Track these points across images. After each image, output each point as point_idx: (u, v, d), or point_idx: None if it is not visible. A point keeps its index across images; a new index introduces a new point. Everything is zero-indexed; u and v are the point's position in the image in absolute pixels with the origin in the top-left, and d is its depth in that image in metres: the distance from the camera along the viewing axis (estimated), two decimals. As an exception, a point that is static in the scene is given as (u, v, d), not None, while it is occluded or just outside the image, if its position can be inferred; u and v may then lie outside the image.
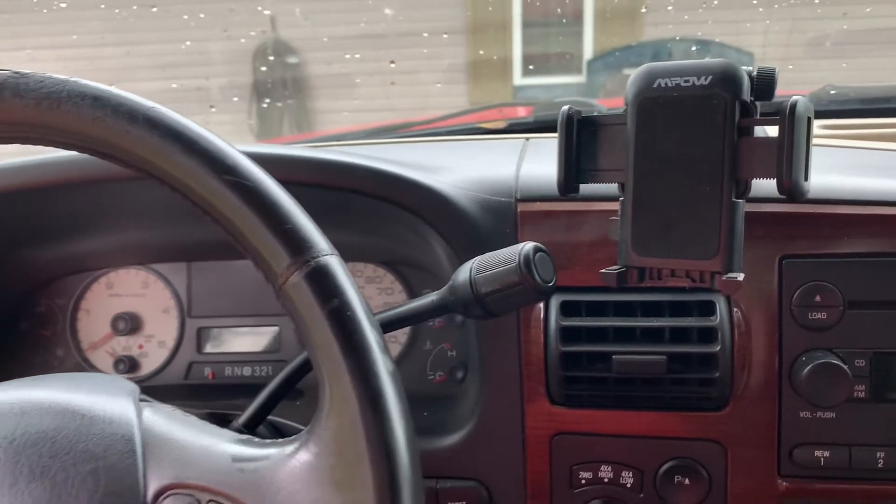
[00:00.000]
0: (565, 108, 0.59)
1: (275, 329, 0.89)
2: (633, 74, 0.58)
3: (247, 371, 0.89)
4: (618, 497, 0.67)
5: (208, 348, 0.89)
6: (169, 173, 0.42)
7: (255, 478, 0.42)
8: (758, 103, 0.56)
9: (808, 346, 0.63)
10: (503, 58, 4.53)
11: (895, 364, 0.62)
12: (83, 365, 0.90)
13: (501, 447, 0.68)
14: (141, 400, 0.49)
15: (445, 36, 4.52)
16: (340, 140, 1.24)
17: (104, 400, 0.47)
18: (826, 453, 0.63)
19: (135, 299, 0.90)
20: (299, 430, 0.74)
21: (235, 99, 4.03)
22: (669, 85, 0.56)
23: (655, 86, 0.57)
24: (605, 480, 0.67)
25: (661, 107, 0.56)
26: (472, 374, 0.75)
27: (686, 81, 0.56)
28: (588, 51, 4.51)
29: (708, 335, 0.63)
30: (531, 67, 4.63)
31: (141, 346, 0.90)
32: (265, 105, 4.05)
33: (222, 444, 0.45)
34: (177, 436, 0.45)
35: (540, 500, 0.68)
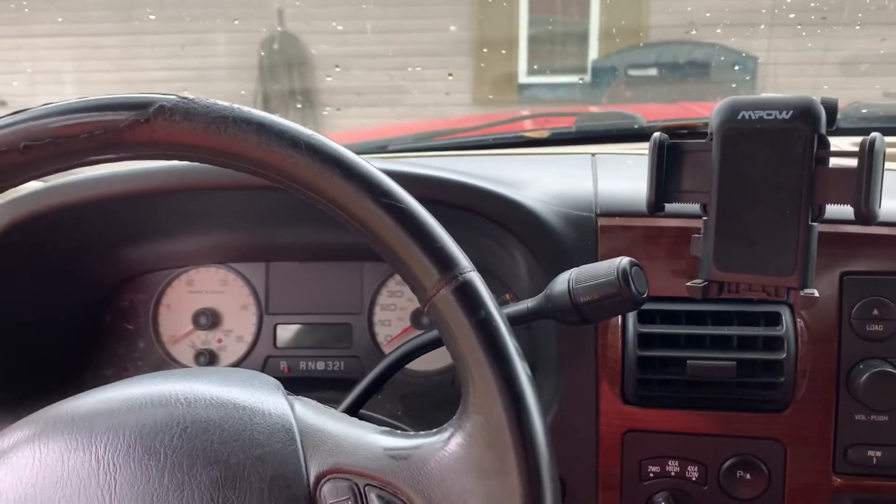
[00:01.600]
0: (656, 135, 0.65)
1: (346, 326, 0.94)
2: (717, 106, 0.64)
3: (320, 365, 0.94)
4: (683, 489, 0.73)
5: (284, 343, 0.95)
6: (329, 195, 0.47)
7: (407, 465, 0.48)
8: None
9: (864, 355, 0.69)
10: (509, 57, 4.58)
11: (944, 373, 0.68)
12: (165, 358, 0.95)
13: (576, 442, 0.74)
14: (287, 394, 0.54)
15: (453, 28, 4.55)
16: (387, 145, 1.29)
17: (259, 393, 0.52)
18: (878, 453, 0.69)
19: (214, 296, 0.95)
20: (385, 423, 0.80)
21: (243, 93, 4.07)
22: (753, 118, 0.62)
23: (739, 117, 0.62)
24: (672, 474, 0.73)
25: (745, 136, 0.62)
26: (543, 372, 0.81)
27: (769, 115, 0.61)
28: (593, 51, 4.56)
29: (774, 343, 0.69)
30: (536, 67, 4.68)
31: (220, 341, 0.95)
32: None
33: (371, 435, 0.50)
34: (329, 427, 0.51)
35: (611, 491, 0.74)
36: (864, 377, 0.67)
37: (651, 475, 0.73)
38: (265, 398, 0.52)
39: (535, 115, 1.30)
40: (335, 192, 0.47)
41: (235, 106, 0.48)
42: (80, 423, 0.51)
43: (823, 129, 0.61)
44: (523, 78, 4.68)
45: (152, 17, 4.10)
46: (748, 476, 0.71)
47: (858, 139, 1.08)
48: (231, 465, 0.48)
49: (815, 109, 0.61)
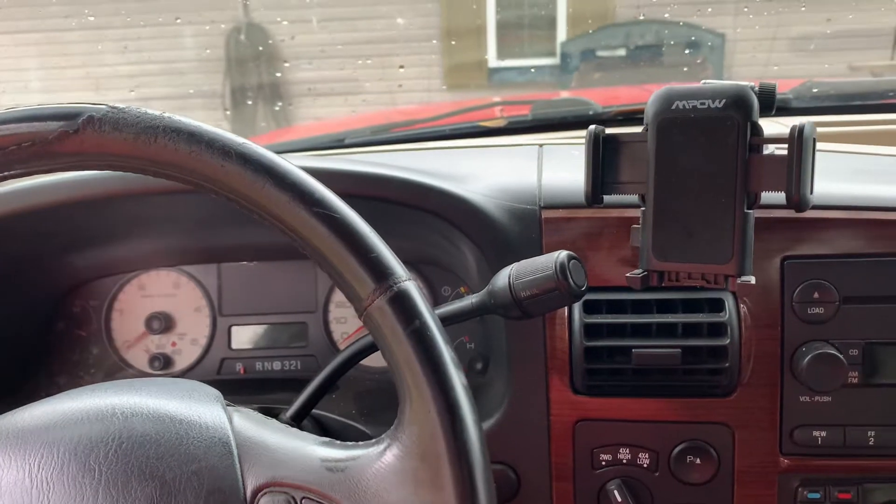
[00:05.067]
0: (592, 127, 0.65)
1: (302, 325, 0.94)
2: (652, 96, 0.64)
3: (276, 365, 0.94)
4: (635, 476, 0.74)
5: (239, 344, 0.94)
6: (261, 204, 0.47)
7: (344, 477, 0.48)
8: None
9: (807, 337, 0.70)
10: (477, 41, 4.56)
11: (884, 353, 0.69)
12: (119, 363, 0.94)
13: (528, 433, 0.74)
14: (227, 404, 0.54)
15: (419, 18, 4.53)
16: (343, 139, 1.28)
17: (197, 406, 0.52)
18: (823, 433, 0.70)
19: (167, 299, 0.95)
20: (340, 423, 0.80)
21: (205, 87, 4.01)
22: (687, 107, 0.62)
23: (674, 107, 0.62)
24: (624, 461, 0.73)
25: (679, 126, 0.62)
26: (496, 366, 0.81)
27: (702, 104, 0.62)
28: (562, 33, 4.56)
29: (718, 329, 0.70)
30: (505, 50, 4.67)
31: (174, 344, 0.95)
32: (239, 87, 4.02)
33: (309, 447, 0.50)
34: (267, 439, 0.51)
35: (564, 480, 0.74)
36: (807, 359, 0.68)
37: (603, 463, 0.74)
38: (203, 410, 0.52)
39: (491, 105, 1.30)
40: (268, 202, 0.47)
41: (166, 115, 0.48)
42: (15, 439, 0.50)
43: (756, 117, 0.61)
44: (493, 62, 4.67)
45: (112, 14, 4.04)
46: (698, 461, 0.72)
47: (810, 119, 1.09)
48: (167, 481, 0.48)
49: (748, 97, 0.61)
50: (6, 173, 0.48)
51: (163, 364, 0.93)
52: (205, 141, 0.47)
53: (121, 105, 0.48)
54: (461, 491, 0.44)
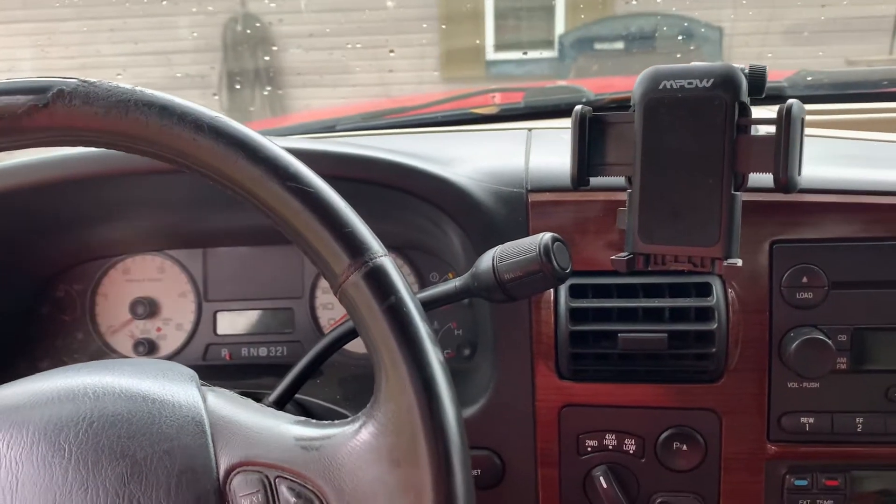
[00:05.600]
0: (578, 107, 0.64)
1: (288, 311, 0.93)
2: (640, 76, 0.63)
3: (262, 351, 0.93)
4: (621, 462, 0.73)
5: (224, 330, 0.93)
6: (234, 179, 0.46)
7: (318, 456, 0.47)
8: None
9: (795, 323, 0.69)
10: (475, 33, 4.54)
11: (873, 338, 0.68)
12: (104, 348, 0.93)
13: (514, 419, 0.73)
14: (202, 384, 0.53)
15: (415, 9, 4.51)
16: (335, 125, 1.27)
17: (171, 385, 0.51)
18: (811, 420, 0.69)
19: (151, 284, 0.94)
20: (323, 407, 0.79)
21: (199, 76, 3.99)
22: (674, 86, 0.61)
23: (661, 87, 0.62)
24: (610, 447, 0.73)
25: (667, 106, 0.61)
26: (482, 351, 0.81)
27: (689, 84, 0.61)
28: (560, 26, 4.54)
29: (705, 314, 0.69)
30: (502, 43, 4.65)
31: (159, 329, 0.94)
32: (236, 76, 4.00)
33: (284, 426, 0.49)
34: (241, 418, 0.50)
35: (549, 466, 0.74)
36: (795, 345, 0.67)
37: (589, 449, 0.73)
38: (176, 390, 0.51)
39: (483, 92, 1.29)
40: (241, 176, 0.46)
41: (138, 88, 0.47)
42: None
43: (745, 97, 0.60)
44: (490, 55, 4.65)
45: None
46: (685, 447, 0.71)
47: (806, 106, 1.08)
48: (138, 460, 0.47)
49: (736, 77, 0.60)
50: None
51: (147, 349, 0.92)
52: (177, 115, 0.46)
53: (92, 79, 0.47)
54: (437, 467, 0.43)
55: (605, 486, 0.72)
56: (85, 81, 0.46)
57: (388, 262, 0.47)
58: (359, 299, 0.45)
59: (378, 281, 0.45)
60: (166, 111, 0.46)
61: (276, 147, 0.47)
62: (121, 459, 0.47)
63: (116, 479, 0.47)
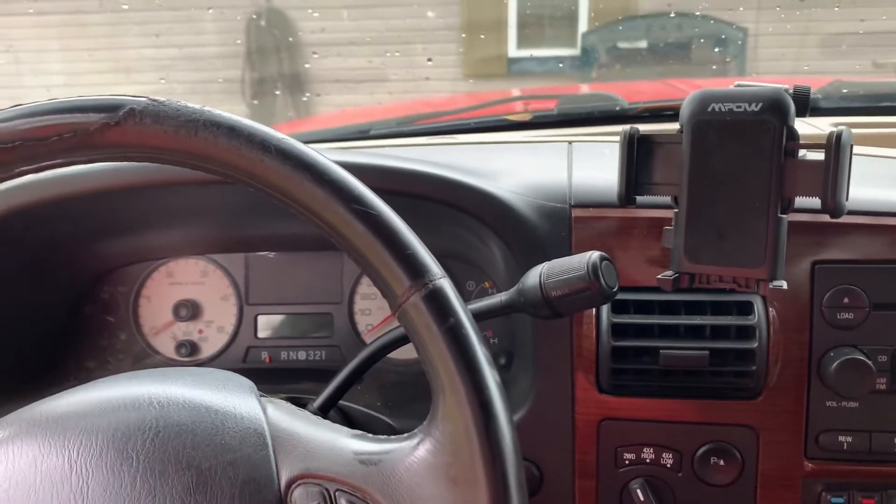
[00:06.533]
0: (626, 128, 0.65)
1: (327, 315, 0.95)
2: (688, 98, 0.64)
3: (301, 355, 0.95)
4: (658, 476, 0.74)
5: (265, 334, 0.95)
6: (299, 200, 0.47)
7: (377, 471, 0.48)
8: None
9: (835, 343, 0.70)
10: (498, 30, 4.54)
11: (914, 360, 0.69)
12: (146, 349, 0.95)
13: (552, 430, 0.75)
14: (260, 395, 0.55)
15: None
16: (369, 129, 1.28)
17: (232, 396, 0.53)
18: (849, 438, 0.70)
19: (194, 287, 0.96)
20: (365, 414, 0.80)
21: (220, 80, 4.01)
22: (723, 110, 0.62)
23: (710, 110, 0.62)
24: (647, 461, 0.74)
25: (715, 129, 0.62)
26: (521, 363, 0.82)
27: (738, 107, 0.61)
28: (583, 23, 4.53)
29: (746, 332, 0.70)
30: (525, 40, 4.64)
31: (201, 332, 0.96)
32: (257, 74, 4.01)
33: (343, 439, 0.50)
34: (300, 431, 0.51)
35: (587, 479, 0.75)
36: (835, 365, 0.68)
37: (626, 462, 0.74)
38: (238, 401, 0.53)
39: (517, 98, 1.30)
40: (306, 197, 0.47)
41: (206, 108, 0.48)
42: (54, 425, 0.51)
43: (793, 122, 0.61)
44: (513, 52, 4.64)
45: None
46: (722, 462, 0.72)
47: (838, 119, 1.08)
48: (203, 471, 0.49)
49: (784, 102, 0.61)
50: (48, 163, 0.48)
51: (189, 351, 0.94)
52: (244, 135, 0.47)
53: (161, 98, 0.48)
54: (493, 488, 0.45)
55: (641, 498, 0.73)
56: (154, 100, 0.48)
57: (447, 285, 0.48)
58: (418, 320, 0.47)
59: (438, 303, 0.47)
60: (234, 132, 0.47)
61: (341, 169, 0.48)
62: (186, 470, 0.49)
63: (183, 488, 0.48)
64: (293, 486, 0.49)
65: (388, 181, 0.74)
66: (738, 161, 0.62)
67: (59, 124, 0.47)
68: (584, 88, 2.08)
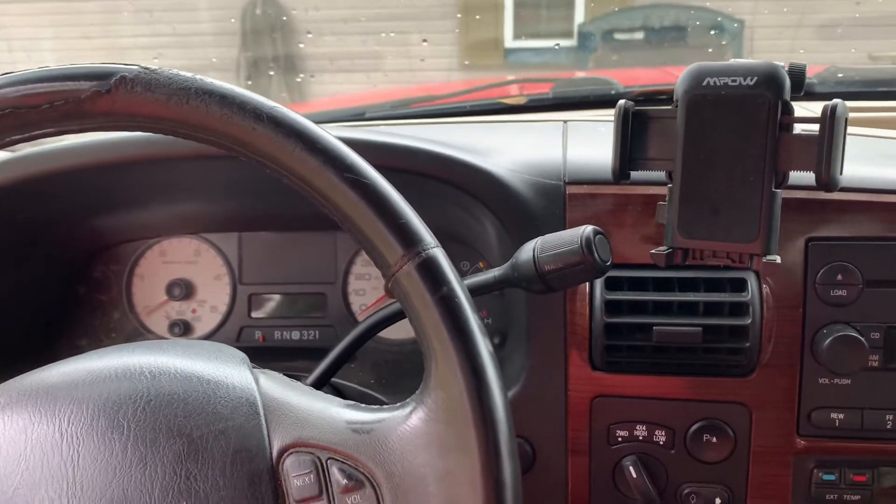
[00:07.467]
0: (622, 102, 0.65)
1: (321, 296, 0.94)
2: (683, 73, 0.64)
3: (295, 335, 0.95)
4: (651, 453, 0.74)
5: (258, 313, 0.95)
6: (292, 169, 0.47)
7: (369, 439, 0.48)
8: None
9: (828, 319, 0.70)
10: (494, 21, 4.52)
11: (907, 336, 0.69)
12: (139, 328, 0.95)
13: (545, 407, 0.75)
14: (252, 367, 0.54)
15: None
16: (364, 112, 1.28)
17: (224, 367, 0.53)
18: (841, 415, 0.70)
19: (188, 266, 0.95)
20: (358, 391, 0.80)
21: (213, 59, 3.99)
22: (718, 84, 0.62)
23: (704, 84, 0.62)
24: (640, 438, 0.74)
25: (710, 103, 0.62)
26: (514, 340, 0.82)
27: (733, 81, 0.61)
28: (580, 14, 4.52)
29: (739, 309, 0.70)
30: (522, 30, 4.63)
31: (194, 311, 0.95)
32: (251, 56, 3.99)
33: (335, 409, 0.50)
34: (293, 400, 0.51)
35: (579, 455, 0.75)
36: (828, 342, 0.68)
37: (619, 439, 0.74)
38: (230, 371, 0.53)
39: (512, 82, 1.30)
40: (298, 166, 0.47)
41: (198, 77, 0.48)
42: (45, 395, 0.51)
43: (787, 96, 0.61)
44: (509, 42, 4.63)
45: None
46: (714, 439, 0.72)
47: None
48: (194, 439, 0.49)
49: (779, 76, 0.61)
50: (38, 132, 0.48)
51: (182, 330, 0.94)
52: (237, 103, 0.47)
53: (152, 66, 0.48)
54: (486, 454, 0.45)
55: (634, 475, 0.73)
56: (146, 68, 0.47)
57: (441, 254, 0.48)
58: (411, 289, 0.47)
59: (431, 271, 0.46)
60: (226, 100, 0.47)
61: (333, 138, 0.48)
62: (178, 438, 0.49)
63: (174, 456, 0.48)
64: (285, 454, 0.49)
65: (382, 157, 0.74)
66: (732, 135, 0.62)
67: (49, 92, 0.46)
68: (581, 76, 2.07)
